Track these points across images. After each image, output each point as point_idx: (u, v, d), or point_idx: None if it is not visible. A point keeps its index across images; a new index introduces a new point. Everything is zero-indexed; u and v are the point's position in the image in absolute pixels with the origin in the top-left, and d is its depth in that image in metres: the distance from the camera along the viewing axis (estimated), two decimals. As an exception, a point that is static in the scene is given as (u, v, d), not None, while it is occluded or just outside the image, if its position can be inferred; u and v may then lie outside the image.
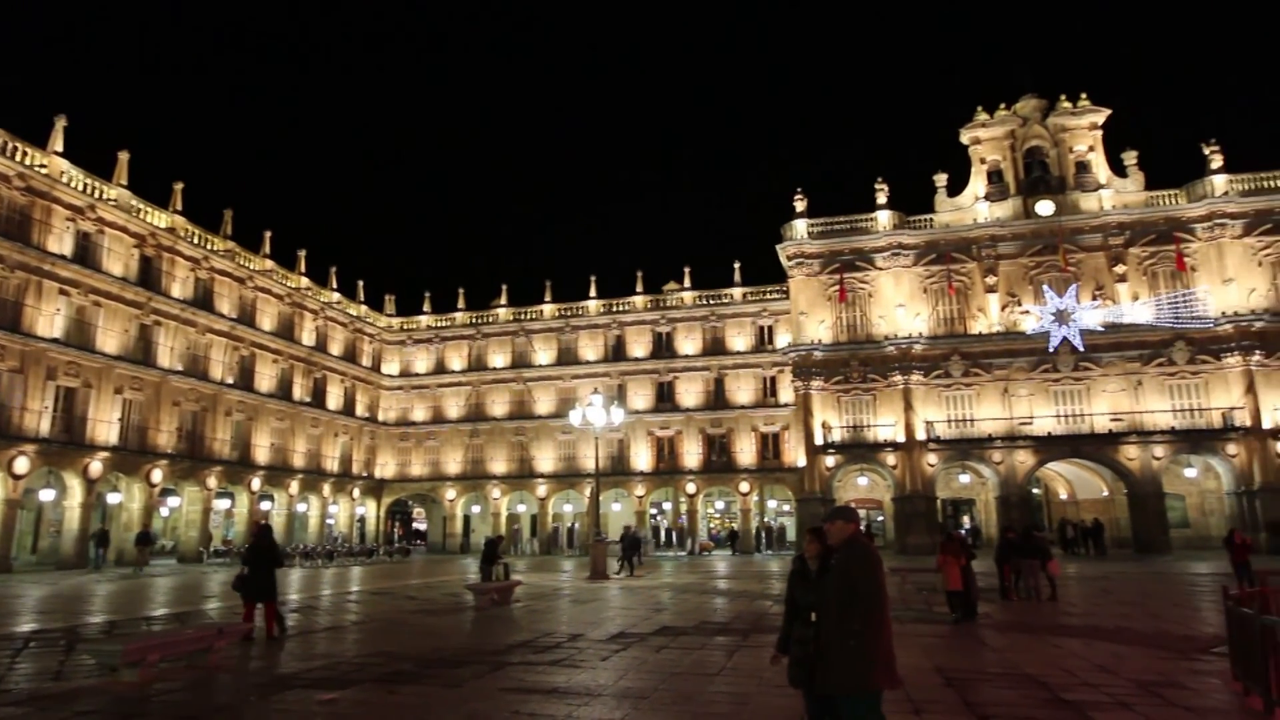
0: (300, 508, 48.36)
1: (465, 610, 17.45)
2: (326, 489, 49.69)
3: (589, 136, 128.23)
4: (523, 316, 55.32)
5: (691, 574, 29.47)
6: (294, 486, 46.55)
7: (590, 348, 53.47)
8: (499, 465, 52.99)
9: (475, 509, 54.65)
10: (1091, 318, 41.82)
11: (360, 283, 56.58)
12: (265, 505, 45.25)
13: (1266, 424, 39.25)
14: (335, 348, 52.53)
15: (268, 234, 47.35)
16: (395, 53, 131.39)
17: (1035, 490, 46.01)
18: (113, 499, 36.81)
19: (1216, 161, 42.08)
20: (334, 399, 51.67)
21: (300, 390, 48.52)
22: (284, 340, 47.45)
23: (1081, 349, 41.60)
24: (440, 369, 56.30)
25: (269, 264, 47.21)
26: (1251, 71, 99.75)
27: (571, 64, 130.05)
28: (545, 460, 52.18)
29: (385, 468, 55.50)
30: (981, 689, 8.91)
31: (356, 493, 52.91)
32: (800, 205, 47.21)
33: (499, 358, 55.00)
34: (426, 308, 58.17)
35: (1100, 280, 42.70)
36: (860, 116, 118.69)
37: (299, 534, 47.58)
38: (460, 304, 57.19)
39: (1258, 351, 39.83)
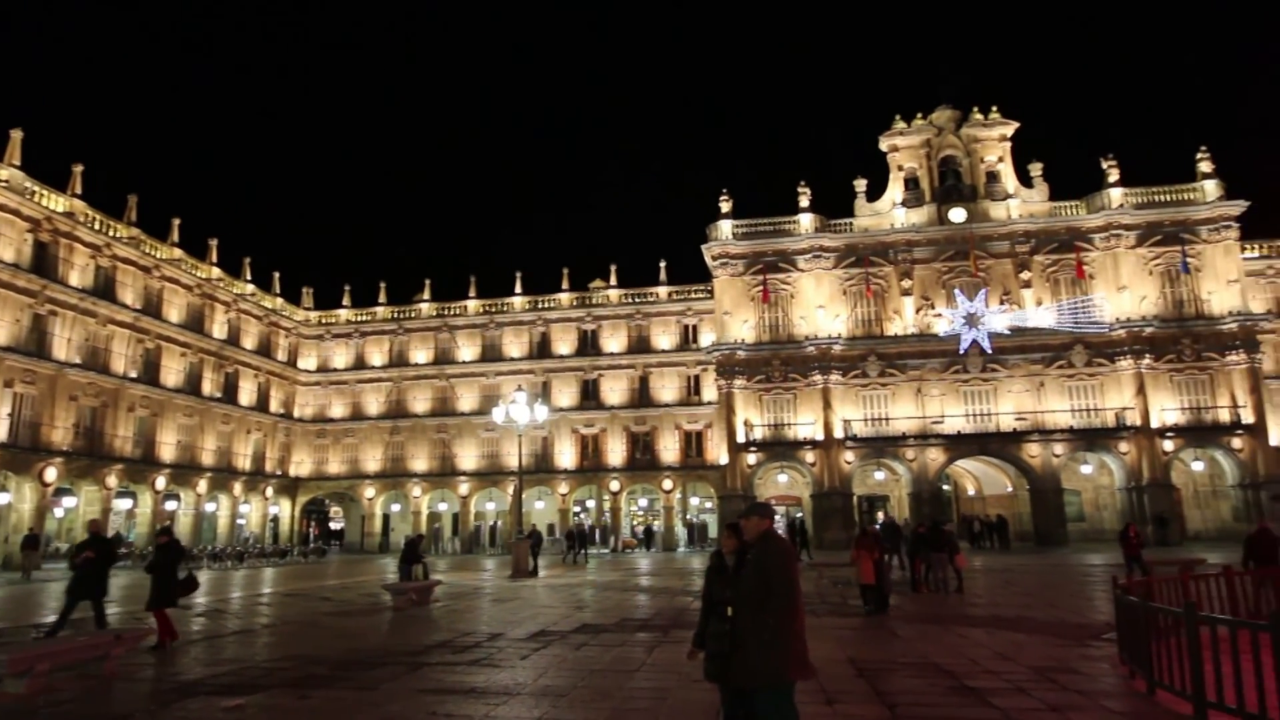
0: (209, 507, 46.46)
1: (383, 611, 17.10)
2: (238, 488, 47.87)
3: (516, 132, 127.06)
4: (446, 312, 54.42)
5: (614, 571, 29.57)
6: (202, 485, 44.70)
7: (515, 344, 53.01)
8: (420, 463, 52.04)
9: (395, 508, 53.55)
10: (999, 321, 43.69)
11: (276, 274, 54.75)
12: (171, 505, 43.32)
13: (1154, 423, 41.80)
14: (249, 341, 50.65)
15: (176, 221, 45.37)
16: (315, 36, 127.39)
17: (945, 486, 47.83)
18: (0, 499, 34.59)
19: (1114, 175, 44.52)
20: (247, 394, 49.82)
21: (210, 385, 46.61)
22: (193, 333, 45.50)
23: (989, 351, 43.43)
24: (360, 364, 54.92)
25: (177, 253, 45.17)
26: (1148, 89, 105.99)
27: (500, 59, 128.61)
28: (468, 458, 51.50)
29: (301, 465, 53.83)
30: (891, 678, 9.24)
31: (270, 491, 51.16)
32: (725, 206, 47.86)
33: (421, 353, 53.99)
34: (346, 301, 56.65)
35: (1007, 285, 44.65)
36: (785, 120, 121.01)
37: (207, 535, 45.74)
38: (381, 298, 55.89)
39: (1147, 355, 42.38)
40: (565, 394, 51.15)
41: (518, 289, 53.66)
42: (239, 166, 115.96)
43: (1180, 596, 10.30)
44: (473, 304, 54.03)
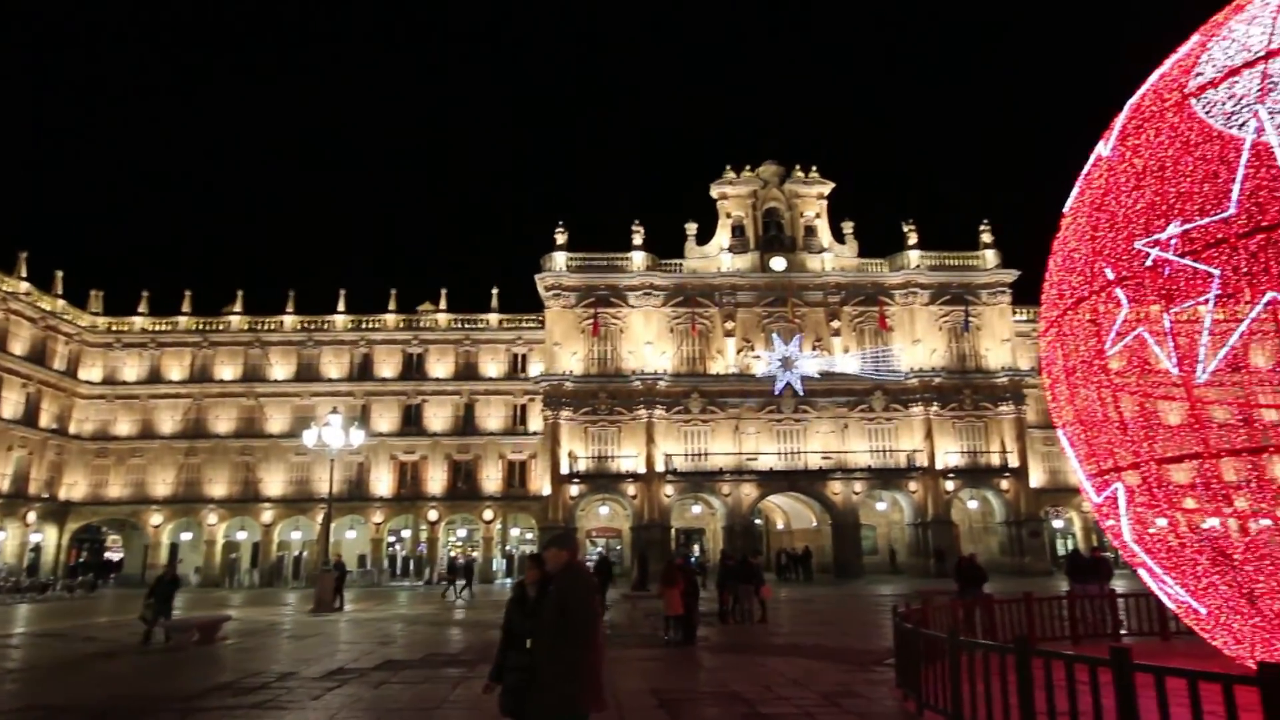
0: (-48, 534, 40.35)
1: (158, 652, 15.54)
2: (-10, 512, 41.91)
3: (349, 140, 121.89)
4: (259, 326, 50.87)
5: (426, 604, 28.62)
6: (-55, 509, 38.80)
7: (334, 365, 50.38)
8: (219, 488, 47.96)
9: (185, 536, 48.85)
10: (811, 365, 46.69)
11: (59, 273, 48.95)
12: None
13: (939, 465, 46.08)
14: (18, 346, 44.84)
15: (-66, 205, 39.68)
16: (124, 13, 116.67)
17: (757, 520, 50.11)
18: None
19: (913, 238, 49.13)
20: (11, 406, 43.95)
21: (-36, 394, 40.76)
22: (-54, 333, 39.73)
23: (801, 393, 46.25)
24: (155, 378, 50.01)
25: (-68, 241, 39.50)
26: (946, 162, 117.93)
27: (333, 60, 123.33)
28: (274, 483, 48.08)
29: (74, 488, 47.99)
30: (690, 708, 9.53)
31: (32, 517, 45.15)
32: (561, 238, 48.30)
33: (228, 369, 50.05)
34: (143, 308, 51.48)
35: (819, 333, 47.86)
36: (623, 157, 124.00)
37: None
38: (185, 307, 51.36)
39: (935, 403, 46.78)
40: (386, 419, 49.15)
41: (340, 307, 51.17)
42: (20, 154, 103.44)
43: (951, 624, 11.38)
44: (290, 319, 50.89)
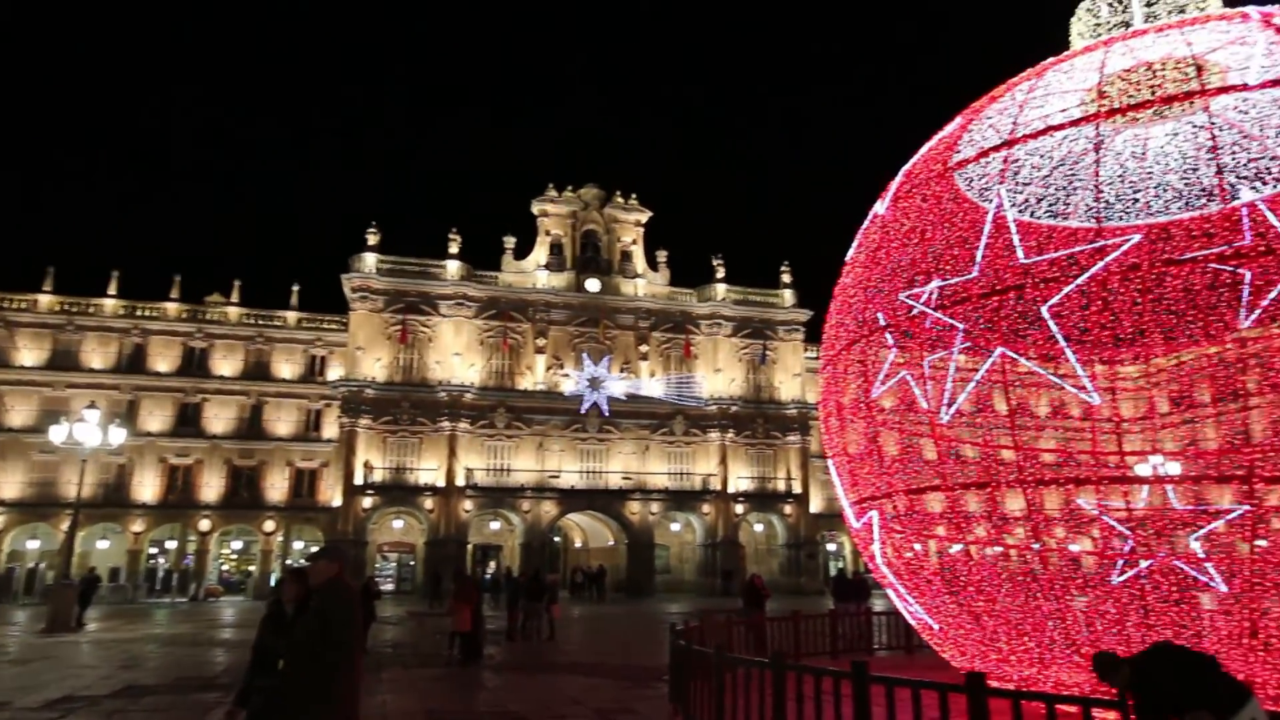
0: None
1: None
2: None
3: (145, 110, 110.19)
4: (6, 305, 44.52)
5: (189, 623, 26.17)
6: None
7: (98, 354, 44.99)
8: (-65, 488, 41.20)
9: (-117, 544, 41.48)
10: (618, 387, 47.68)
11: None
12: None
13: (731, 489, 48.51)
14: None
15: None
16: None
17: (556, 538, 50.23)
18: None
19: (720, 272, 51.72)
20: None
21: None
22: None
23: (607, 414, 47.07)
24: None
25: None
26: (750, 204, 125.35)
27: (135, 34, 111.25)
28: (10, 484, 41.98)
29: None
30: (463, 728, 9.35)
31: None
32: (373, 239, 46.33)
33: (-42, 351, 43.29)
34: None
35: (628, 356, 49.04)
36: (443, 165, 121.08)
37: None
38: (-93, 275, 44.04)
39: (731, 430, 49.28)
40: (157, 417, 44.50)
41: (111, 290, 45.90)
42: None
43: (721, 641, 11.96)
44: (46, 299, 44.91)
